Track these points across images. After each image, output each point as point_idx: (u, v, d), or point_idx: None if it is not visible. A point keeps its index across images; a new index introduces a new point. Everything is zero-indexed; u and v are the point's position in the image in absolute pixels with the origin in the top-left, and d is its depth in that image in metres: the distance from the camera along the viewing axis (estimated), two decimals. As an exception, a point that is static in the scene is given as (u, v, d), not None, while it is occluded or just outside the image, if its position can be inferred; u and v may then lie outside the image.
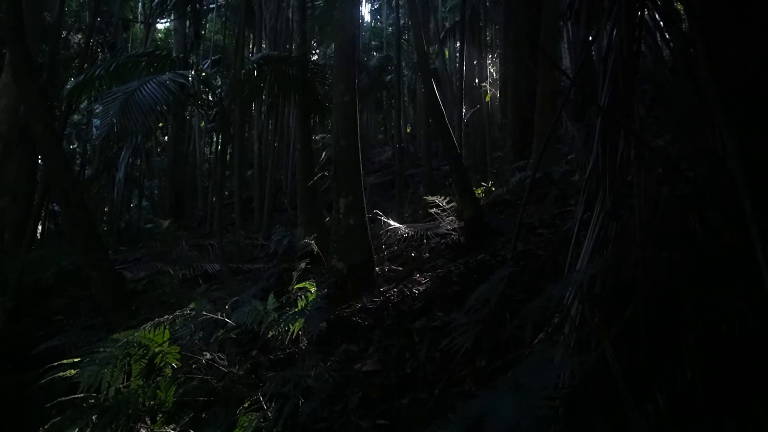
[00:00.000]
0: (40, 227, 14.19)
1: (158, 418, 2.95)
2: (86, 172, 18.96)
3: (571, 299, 1.84)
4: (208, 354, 3.42)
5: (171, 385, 3.00)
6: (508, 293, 2.84)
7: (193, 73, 7.78)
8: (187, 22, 17.88)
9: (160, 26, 24.72)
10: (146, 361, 3.01)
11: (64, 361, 2.93)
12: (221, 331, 3.54)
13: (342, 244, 5.09)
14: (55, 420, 2.84)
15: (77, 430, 2.70)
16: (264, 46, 17.67)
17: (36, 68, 7.77)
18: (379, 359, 3.48)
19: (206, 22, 21.38)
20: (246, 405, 2.81)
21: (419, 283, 4.64)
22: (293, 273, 5.48)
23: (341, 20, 5.54)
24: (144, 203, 22.28)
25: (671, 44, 1.96)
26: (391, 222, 6.14)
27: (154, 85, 6.74)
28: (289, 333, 3.65)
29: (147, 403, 2.89)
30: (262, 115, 16.59)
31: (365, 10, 29.33)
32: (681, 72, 1.88)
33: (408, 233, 5.82)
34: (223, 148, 13.27)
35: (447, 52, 19.20)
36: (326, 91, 8.40)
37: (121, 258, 10.39)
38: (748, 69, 1.73)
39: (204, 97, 8.51)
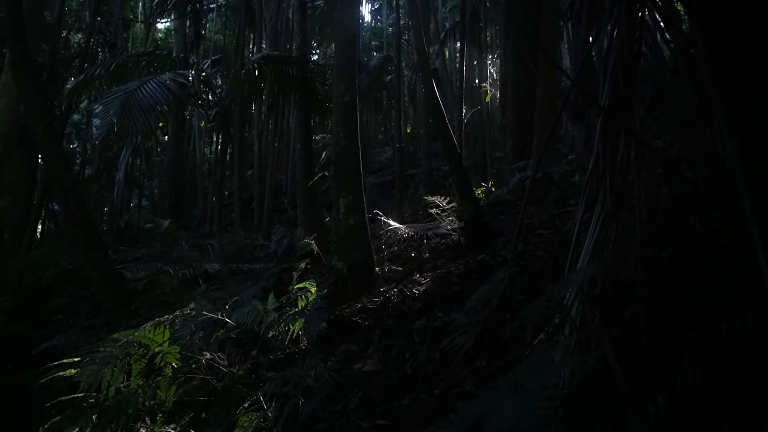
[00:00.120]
0: (40, 227, 14.19)
1: (158, 418, 2.95)
2: (86, 171, 18.98)
3: (572, 300, 1.84)
4: (208, 354, 3.43)
5: (171, 385, 3.00)
6: (509, 294, 2.84)
7: (193, 72, 7.78)
8: (188, 22, 17.89)
9: (160, 26, 24.76)
10: (146, 361, 3.01)
11: (64, 361, 2.94)
12: (221, 331, 3.55)
13: (342, 244, 5.09)
14: (55, 420, 2.85)
15: (77, 429, 2.70)
16: (264, 46, 17.67)
17: (36, 68, 7.78)
18: (379, 359, 3.48)
19: (206, 22, 21.39)
20: (246, 405, 2.81)
21: (419, 284, 4.64)
22: (293, 273, 5.48)
23: (341, 20, 5.54)
24: (144, 203, 22.29)
25: (671, 44, 1.95)
26: (391, 222, 6.14)
27: (154, 84, 6.74)
28: (289, 333, 3.66)
29: (147, 403, 2.90)
30: (262, 115, 16.59)
31: (365, 10, 29.35)
32: (681, 72, 1.88)
33: (408, 233, 5.82)
34: (223, 148, 13.28)
35: (447, 53, 19.21)
36: (326, 91, 8.41)
37: (121, 258, 10.40)
38: (748, 69, 1.73)
39: (204, 96, 8.52)
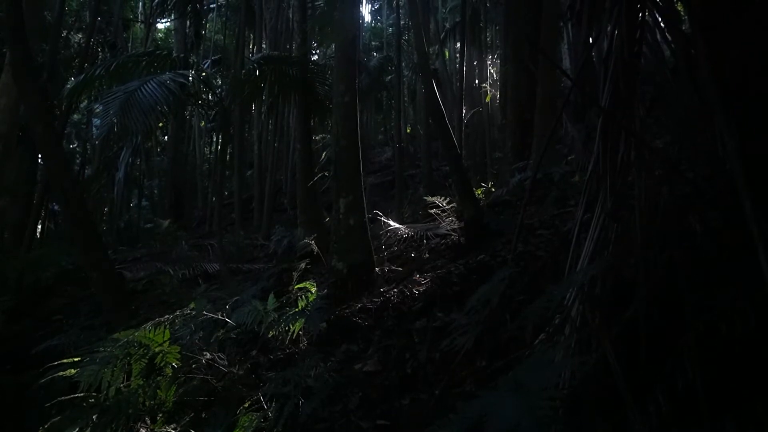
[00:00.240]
0: (39, 227, 14.19)
1: (158, 418, 2.95)
2: (86, 171, 18.97)
3: (572, 300, 1.84)
4: (208, 354, 3.43)
5: (171, 385, 3.00)
6: (509, 294, 2.83)
7: (193, 72, 7.79)
8: (188, 22, 17.89)
9: (160, 26, 24.76)
10: (146, 361, 3.01)
11: (64, 361, 2.93)
12: (221, 331, 3.55)
13: (342, 244, 5.10)
14: (55, 420, 2.84)
15: (77, 429, 2.70)
16: (264, 46, 17.67)
17: (36, 68, 7.78)
18: (379, 359, 3.48)
19: (206, 22, 21.39)
20: (246, 405, 2.81)
21: (419, 284, 4.64)
22: (293, 273, 5.49)
23: (342, 21, 5.54)
24: (144, 203, 22.29)
25: (671, 44, 1.96)
26: (391, 222, 6.15)
27: (154, 84, 6.74)
28: (289, 333, 3.66)
29: (147, 403, 2.89)
30: (262, 115, 16.60)
31: (365, 11, 29.34)
32: (681, 72, 1.88)
33: (408, 234, 5.82)
34: (223, 148, 13.28)
35: (447, 53, 19.22)
36: (326, 92, 8.41)
37: (121, 258, 10.40)
38: (748, 69, 1.73)
39: (204, 97, 8.52)
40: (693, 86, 1.81)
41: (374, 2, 26.84)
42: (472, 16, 16.06)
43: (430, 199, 6.58)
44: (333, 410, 2.97)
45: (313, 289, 4.01)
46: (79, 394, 2.83)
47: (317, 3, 14.01)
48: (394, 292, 4.57)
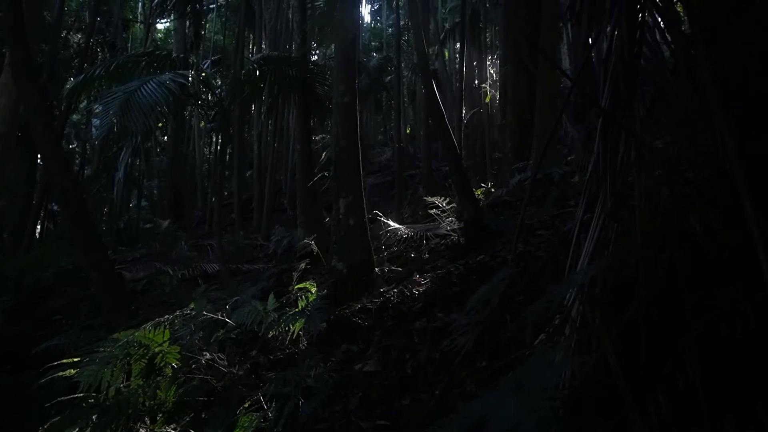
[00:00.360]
0: (39, 227, 14.18)
1: (158, 418, 2.95)
2: (86, 172, 18.97)
3: (572, 300, 1.84)
4: (208, 354, 3.42)
5: (171, 385, 3.00)
6: (509, 294, 2.84)
7: (193, 73, 7.79)
8: (187, 22, 17.90)
9: (160, 26, 24.75)
10: (146, 361, 3.01)
11: (64, 361, 2.93)
12: (221, 331, 3.55)
13: (342, 244, 5.10)
14: (55, 420, 2.84)
15: (77, 429, 2.70)
16: (264, 46, 17.68)
17: (36, 68, 7.78)
18: (379, 360, 3.48)
19: (206, 22, 21.40)
20: (246, 405, 2.81)
21: (419, 284, 4.64)
22: (293, 273, 5.48)
23: (341, 21, 5.55)
24: (143, 203, 22.28)
25: (671, 45, 1.96)
26: (391, 223, 6.15)
27: (154, 85, 6.74)
28: (289, 333, 3.66)
29: (147, 403, 2.89)
30: (262, 116, 16.59)
31: (365, 11, 29.37)
32: (681, 72, 1.89)
33: (408, 234, 5.83)
34: (223, 148, 13.27)
35: (447, 53, 19.22)
36: (326, 92, 8.41)
37: (121, 258, 10.39)
38: (748, 69, 1.73)
39: (204, 97, 8.52)
40: (693, 86, 1.81)
41: (374, 2, 26.87)
42: (472, 17, 16.07)
43: (429, 199, 6.58)
44: (333, 410, 2.97)
45: (313, 290, 4.01)
46: (79, 395, 2.83)
47: (317, 3, 14.00)
48: (394, 292, 4.57)
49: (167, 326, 3.12)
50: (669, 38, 1.94)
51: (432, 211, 6.52)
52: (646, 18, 1.95)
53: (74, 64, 16.08)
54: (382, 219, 6.34)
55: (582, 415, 1.58)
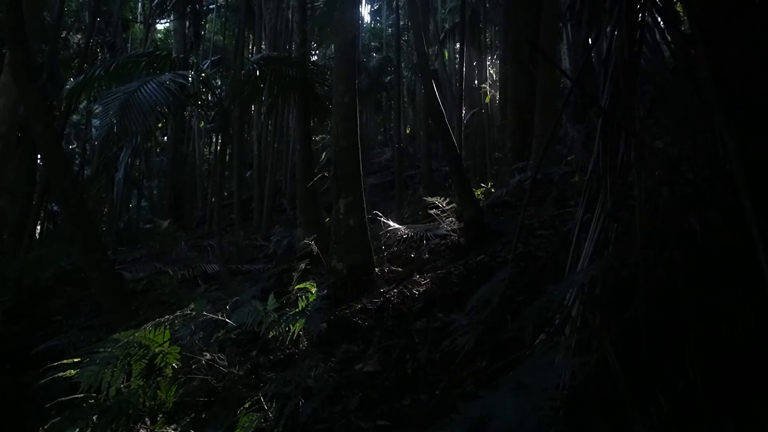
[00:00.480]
0: (39, 227, 14.18)
1: (158, 419, 2.95)
2: (86, 172, 18.96)
3: (572, 300, 1.84)
4: (208, 354, 3.42)
5: (171, 386, 3.00)
6: (509, 294, 2.84)
7: (192, 73, 7.78)
8: (187, 23, 17.90)
9: (159, 26, 24.77)
10: (146, 362, 3.01)
11: (64, 361, 2.93)
12: (221, 331, 3.54)
13: (342, 244, 5.10)
14: (55, 420, 2.84)
15: (77, 430, 2.69)
16: (264, 46, 17.68)
17: (36, 68, 7.79)
18: (379, 360, 3.48)
19: (206, 23, 21.41)
20: (246, 405, 2.81)
21: (419, 284, 4.64)
22: (293, 274, 5.48)
23: (341, 21, 5.55)
24: (143, 203, 22.28)
25: (671, 45, 1.96)
26: (391, 223, 6.15)
27: (153, 85, 6.75)
28: (290, 333, 3.65)
29: (147, 404, 2.89)
30: (262, 116, 16.60)
31: (365, 11, 29.36)
32: (681, 72, 1.89)
33: (408, 234, 5.83)
34: (223, 148, 13.28)
35: (447, 54, 19.23)
36: (326, 92, 8.41)
37: (121, 258, 10.39)
38: (748, 69, 1.73)
39: (204, 97, 8.52)
40: (693, 86, 1.81)
41: (374, 2, 26.87)
42: (472, 17, 16.08)
43: (429, 199, 6.58)
44: (333, 411, 2.97)
45: (313, 290, 4.01)
46: (79, 395, 2.83)
47: (317, 3, 14.01)
48: (394, 292, 4.57)
49: (167, 326, 3.11)
50: (669, 38, 1.94)
51: (432, 212, 6.52)
52: (646, 18, 1.95)
53: (74, 64, 16.07)
54: (382, 219, 6.34)
55: (582, 415, 1.58)
